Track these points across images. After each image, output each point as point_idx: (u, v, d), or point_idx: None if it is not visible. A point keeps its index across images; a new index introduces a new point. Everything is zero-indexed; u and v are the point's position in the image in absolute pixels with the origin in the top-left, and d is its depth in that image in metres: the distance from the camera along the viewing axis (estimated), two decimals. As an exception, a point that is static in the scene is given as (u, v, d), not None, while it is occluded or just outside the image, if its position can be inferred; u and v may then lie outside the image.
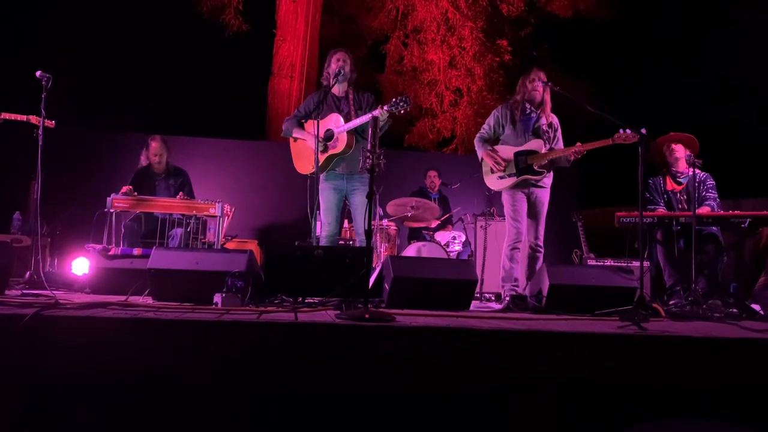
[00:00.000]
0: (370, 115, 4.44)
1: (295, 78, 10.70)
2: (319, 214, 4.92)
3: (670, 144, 5.39)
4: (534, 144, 4.80)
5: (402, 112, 4.48)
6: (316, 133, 4.62)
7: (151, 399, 2.54)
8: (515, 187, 4.82)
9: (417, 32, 12.33)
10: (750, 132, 10.63)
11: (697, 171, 5.30)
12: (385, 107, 4.48)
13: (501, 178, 4.85)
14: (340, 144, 4.77)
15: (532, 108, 4.86)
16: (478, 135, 5.04)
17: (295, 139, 5.02)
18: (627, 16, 11.80)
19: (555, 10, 11.99)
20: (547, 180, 4.86)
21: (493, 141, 4.98)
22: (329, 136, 4.82)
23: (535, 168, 4.74)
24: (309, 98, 5.06)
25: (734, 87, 10.61)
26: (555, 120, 4.93)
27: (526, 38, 12.82)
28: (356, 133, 4.77)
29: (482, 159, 4.97)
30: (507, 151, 4.87)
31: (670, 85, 12.08)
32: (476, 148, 5.02)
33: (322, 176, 4.87)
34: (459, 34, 12.02)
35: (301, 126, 4.99)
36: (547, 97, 4.85)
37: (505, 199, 4.88)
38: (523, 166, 4.77)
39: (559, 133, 4.92)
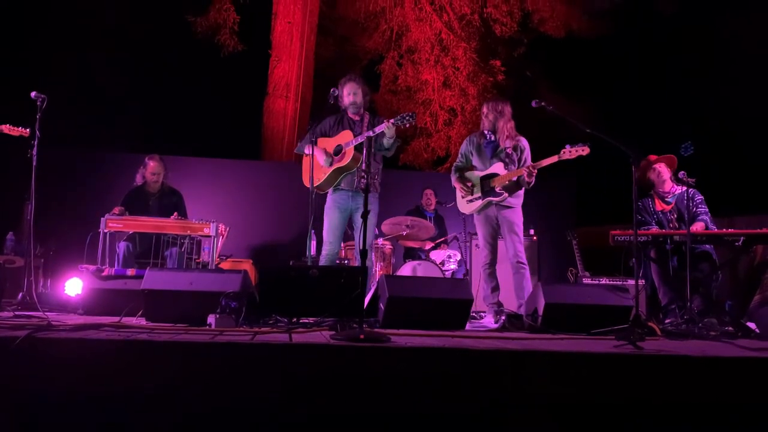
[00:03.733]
0: (376, 130, 4.69)
1: (290, 98, 10.75)
2: (313, 231, 4.94)
3: (654, 166, 5.46)
4: (495, 168, 5.06)
5: (407, 125, 4.74)
6: (311, 151, 4.87)
7: (145, 421, 2.51)
8: (484, 209, 5.09)
9: (411, 52, 12.43)
10: (744, 150, 10.70)
11: (684, 188, 5.34)
12: (392, 120, 4.68)
13: (469, 201, 5.17)
14: (346, 158, 4.90)
15: (491, 134, 5.11)
16: (453, 165, 5.36)
17: (306, 155, 5.14)
18: (620, 35, 11.90)
19: (548, 30, 12.10)
20: (516, 200, 5.05)
21: (468, 169, 5.26)
22: (338, 150, 4.99)
23: (497, 190, 4.99)
24: (326, 119, 5.22)
25: (728, 104, 10.69)
26: (522, 142, 5.12)
27: (520, 58, 12.93)
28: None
29: (454, 187, 5.29)
30: (475, 176, 5.17)
31: (663, 103, 12.17)
32: (450, 177, 5.34)
33: (329, 193, 5.08)
34: (453, 54, 12.12)
35: (314, 144, 5.11)
36: (501, 124, 5.06)
37: (476, 222, 5.19)
38: (487, 188, 5.04)
39: (525, 154, 5.09)
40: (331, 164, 4.95)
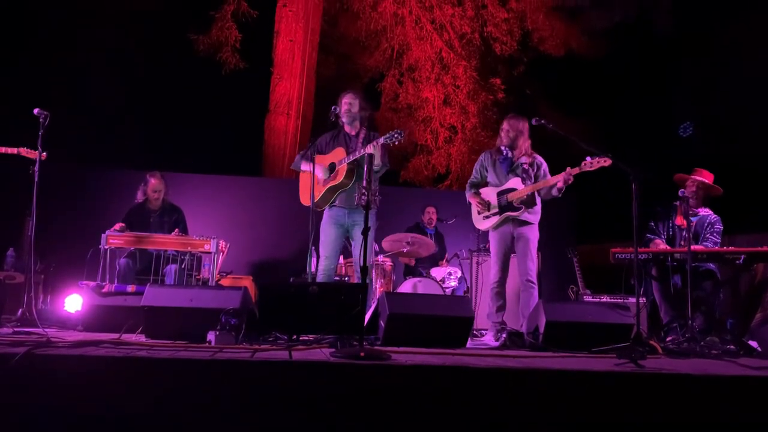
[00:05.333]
0: (364, 151, 4.66)
1: (291, 115, 10.80)
2: (313, 248, 4.94)
3: (695, 185, 5.34)
4: (512, 183, 5.03)
5: (396, 143, 4.66)
6: (312, 168, 4.82)
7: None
8: (500, 225, 5.04)
9: (412, 71, 12.49)
10: (744, 168, 10.70)
11: (710, 212, 5.35)
12: (381, 140, 4.64)
13: (486, 217, 5.12)
14: (339, 176, 4.90)
15: (508, 150, 5.09)
16: (468, 181, 5.34)
17: (302, 172, 5.15)
18: (619, 51, 11.97)
19: (548, 49, 12.16)
20: (533, 217, 5.01)
21: (483, 185, 5.24)
22: (331, 168, 4.99)
23: (515, 204, 4.96)
24: (324, 135, 5.22)
25: (728, 122, 10.72)
26: (538, 158, 5.12)
27: (520, 76, 12.99)
28: (358, 168, 4.84)
29: (469, 203, 5.25)
30: (490, 192, 5.13)
31: (663, 121, 12.20)
32: (465, 193, 5.30)
33: (325, 210, 5.06)
34: (453, 72, 12.18)
35: (311, 160, 5.09)
36: (521, 142, 5.06)
37: (491, 238, 5.13)
38: (504, 203, 5.00)
39: (542, 170, 5.07)
40: (326, 182, 4.95)
